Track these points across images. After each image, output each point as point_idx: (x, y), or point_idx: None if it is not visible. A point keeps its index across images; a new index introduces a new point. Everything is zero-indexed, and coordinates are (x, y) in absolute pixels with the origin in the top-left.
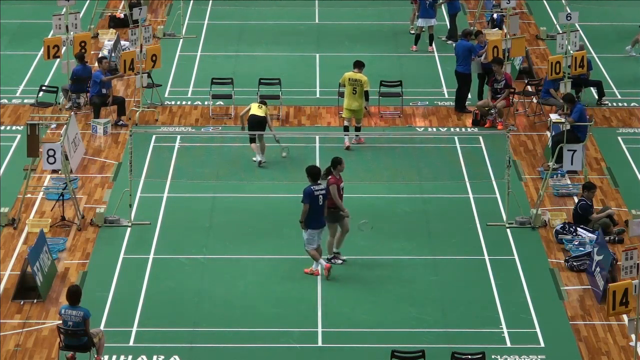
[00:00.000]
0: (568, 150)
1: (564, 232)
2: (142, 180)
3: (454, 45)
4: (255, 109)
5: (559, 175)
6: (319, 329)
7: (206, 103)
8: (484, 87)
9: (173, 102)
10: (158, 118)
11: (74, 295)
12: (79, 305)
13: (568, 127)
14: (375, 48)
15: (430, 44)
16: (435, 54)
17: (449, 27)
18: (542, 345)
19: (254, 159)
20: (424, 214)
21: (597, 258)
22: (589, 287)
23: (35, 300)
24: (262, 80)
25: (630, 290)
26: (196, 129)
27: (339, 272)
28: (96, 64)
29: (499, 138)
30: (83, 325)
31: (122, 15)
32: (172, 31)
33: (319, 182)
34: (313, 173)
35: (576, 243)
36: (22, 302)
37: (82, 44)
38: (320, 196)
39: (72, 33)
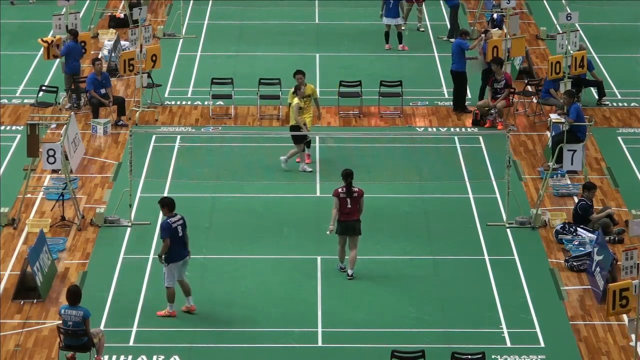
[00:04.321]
0: (568, 150)
1: (564, 232)
2: (142, 180)
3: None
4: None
5: (559, 175)
6: (319, 329)
7: (206, 103)
8: (486, 87)
9: (173, 102)
10: (158, 118)
11: (74, 295)
12: (79, 305)
13: (568, 127)
14: (375, 48)
15: (400, 42)
16: (435, 53)
17: (449, 25)
18: (542, 345)
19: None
20: (424, 214)
21: (597, 258)
22: (589, 287)
23: (35, 300)
24: (262, 80)
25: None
26: (196, 129)
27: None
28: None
29: (499, 138)
30: (83, 325)
31: (122, 15)
32: (172, 31)
33: (174, 212)
34: (166, 204)
35: (576, 243)
36: (22, 302)
37: (82, 44)
38: (179, 227)
39: None
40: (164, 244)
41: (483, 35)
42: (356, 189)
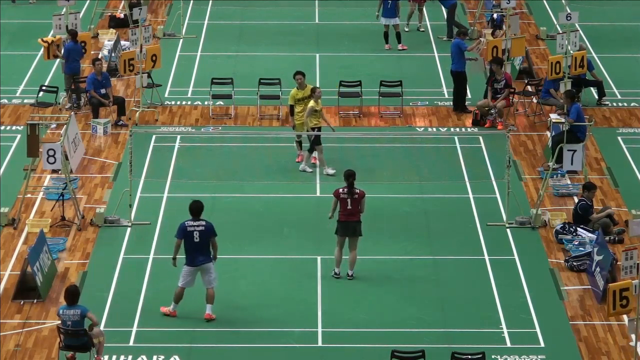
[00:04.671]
0: (568, 150)
1: (564, 232)
2: (142, 180)
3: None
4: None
5: (559, 175)
6: (319, 329)
7: (206, 103)
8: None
9: (173, 102)
10: (158, 118)
11: (72, 295)
12: (77, 304)
13: (568, 127)
14: (375, 48)
15: (399, 42)
16: (435, 53)
17: (447, 25)
18: (542, 345)
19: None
20: (424, 214)
21: (597, 258)
22: (589, 287)
23: (35, 300)
24: (262, 80)
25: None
26: (196, 129)
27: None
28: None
29: (499, 138)
30: (82, 324)
31: (122, 15)
32: (172, 31)
33: (200, 217)
34: (189, 209)
35: (576, 243)
36: (22, 302)
37: (82, 44)
38: (196, 232)
39: None
40: (175, 243)
41: (482, 39)
42: (357, 190)
